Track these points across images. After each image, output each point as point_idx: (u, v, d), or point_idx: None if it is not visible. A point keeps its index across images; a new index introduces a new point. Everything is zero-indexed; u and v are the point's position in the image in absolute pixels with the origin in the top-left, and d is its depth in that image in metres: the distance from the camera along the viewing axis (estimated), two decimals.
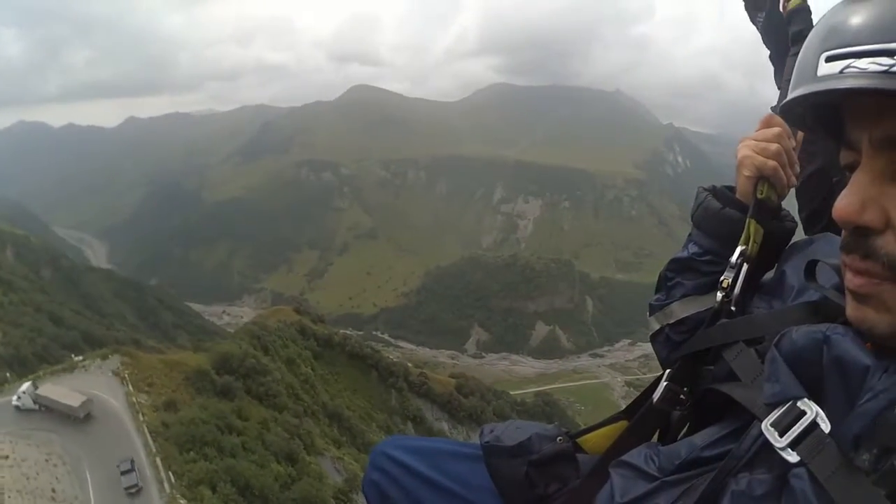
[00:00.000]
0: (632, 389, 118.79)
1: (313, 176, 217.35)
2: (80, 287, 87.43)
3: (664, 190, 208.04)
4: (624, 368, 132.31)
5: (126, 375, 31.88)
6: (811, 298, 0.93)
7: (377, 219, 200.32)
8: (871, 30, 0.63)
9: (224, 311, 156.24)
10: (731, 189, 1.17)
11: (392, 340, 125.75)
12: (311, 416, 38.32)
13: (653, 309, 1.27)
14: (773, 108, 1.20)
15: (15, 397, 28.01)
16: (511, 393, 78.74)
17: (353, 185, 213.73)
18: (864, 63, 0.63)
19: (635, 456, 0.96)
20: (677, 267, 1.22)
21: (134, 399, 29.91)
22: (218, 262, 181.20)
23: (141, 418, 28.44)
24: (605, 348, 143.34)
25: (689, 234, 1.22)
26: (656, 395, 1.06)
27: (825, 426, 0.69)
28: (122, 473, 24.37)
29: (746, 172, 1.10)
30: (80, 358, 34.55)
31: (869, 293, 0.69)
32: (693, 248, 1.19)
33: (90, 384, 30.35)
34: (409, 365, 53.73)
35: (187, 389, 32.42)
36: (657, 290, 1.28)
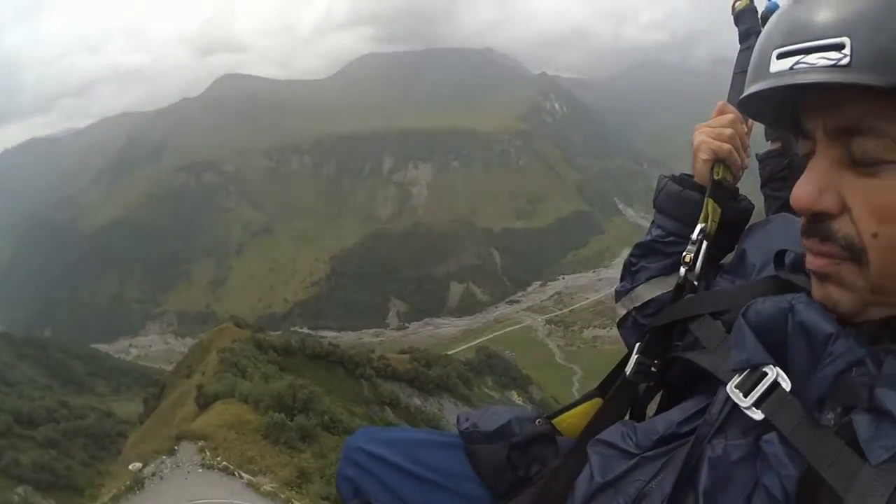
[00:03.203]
0: (553, 326, 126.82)
1: (193, 180, 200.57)
2: None
3: (546, 137, 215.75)
4: (541, 309, 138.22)
5: (222, 463, 21.37)
6: (773, 273, 0.96)
7: (269, 212, 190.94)
8: (820, 25, 0.66)
9: (130, 345, 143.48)
10: (690, 175, 1.23)
11: (313, 333, 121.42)
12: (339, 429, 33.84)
13: (618, 295, 1.29)
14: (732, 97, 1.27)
15: None
16: (450, 354, 78.33)
17: (238, 182, 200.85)
18: (813, 58, 0.65)
19: (612, 434, 0.96)
20: (641, 252, 1.26)
21: (264, 486, 19.68)
22: (110, 295, 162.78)
23: None
24: (519, 294, 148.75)
25: (652, 221, 1.26)
26: (629, 369, 1.09)
27: (786, 385, 0.72)
28: None
29: (703, 156, 1.16)
30: (139, 465, 21.37)
31: (829, 273, 0.73)
32: (656, 232, 1.23)
33: (205, 491, 18.99)
34: (370, 352, 52.31)
35: (278, 453, 23.16)
36: (621, 279, 1.30)
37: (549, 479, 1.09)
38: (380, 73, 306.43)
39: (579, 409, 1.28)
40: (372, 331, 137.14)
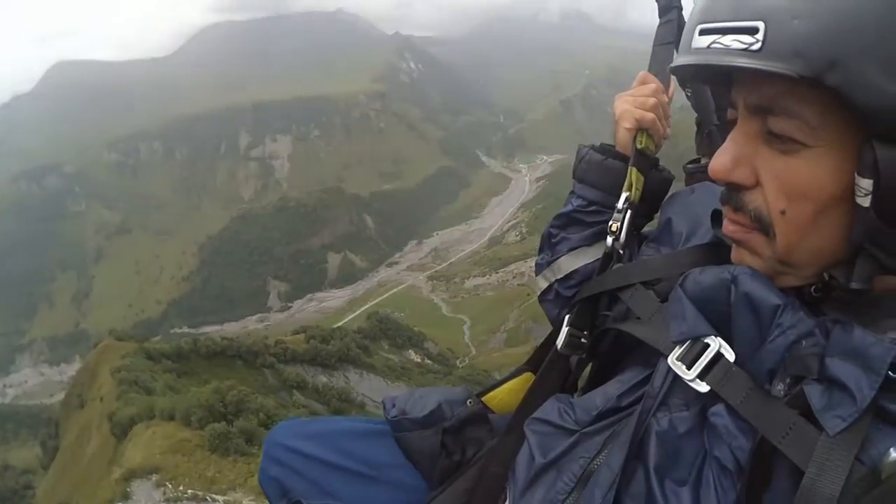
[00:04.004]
0: (435, 282, 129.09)
1: (35, 186, 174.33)
2: None
3: (405, 97, 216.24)
4: (420, 267, 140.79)
5: (188, 492, 18.55)
6: (700, 242, 0.97)
7: (124, 210, 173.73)
8: (739, 7, 0.66)
9: (4, 385, 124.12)
10: (611, 145, 1.22)
11: (195, 331, 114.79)
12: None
13: (539, 268, 1.27)
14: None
15: None
16: (341, 326, 78.03)
17: (85, 182, 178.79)
18: (727, 40, 0.66)
19: (548, 411, 0.93)
20: (561, 222, 1.24)
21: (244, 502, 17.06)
22: None
23: None
24: (397, 255, 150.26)
25: (571, 191, 1.24)
26: (560, 342, 1.06)
27: (730, 356, 0.72)
28: None
29: (626, 125, 1.16)
30: None
31: (741, 240, 0.76)
32: (577, 202, 1.21)
33: None
34: (265, 339, 50.91)
35: (234, 464, 20.75)
36: (541, 251, 1.29)
37: (486, 462, 1.07)
38: (227, 44, 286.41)
39: (510, 384, 1.26)
40: (256, 317, 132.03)
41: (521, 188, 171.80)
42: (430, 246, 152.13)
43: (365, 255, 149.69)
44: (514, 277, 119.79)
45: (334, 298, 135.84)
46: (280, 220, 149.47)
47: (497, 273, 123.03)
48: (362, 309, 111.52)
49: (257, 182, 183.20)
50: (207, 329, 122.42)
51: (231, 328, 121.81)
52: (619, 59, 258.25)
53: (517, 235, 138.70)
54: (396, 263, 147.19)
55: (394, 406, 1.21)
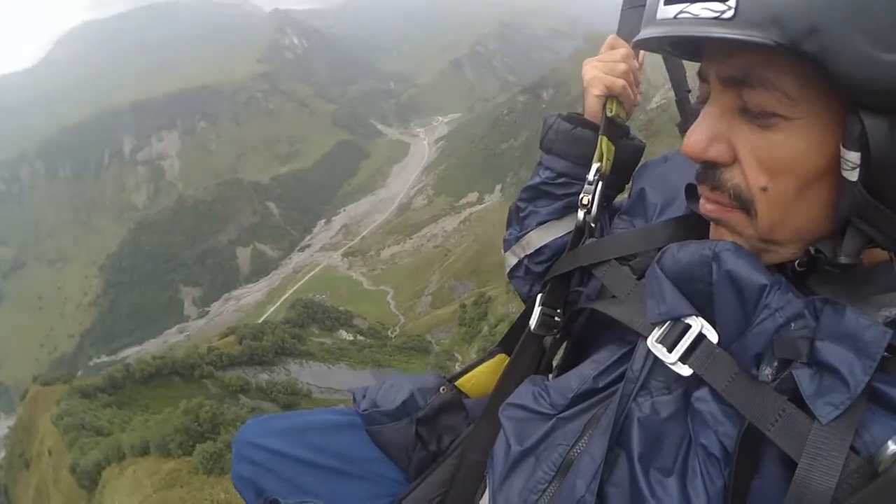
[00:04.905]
0: (351, 258, 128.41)
1: None
2: None
3: (291, 75, 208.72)
4: (333, 246, 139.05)
5: None
6: (676, 214, 0.94)
7: (14, 243, 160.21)
8: None
9: None
10: (579, 114, 1.17)
11: (115, 358, 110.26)
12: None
13: (507, 244, 1.23)
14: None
15: None
16: (262, 321, 75.31)
17: None
18: (696, 9, 0.62)
19: (523, 395, 0.90)
20: (529, 195, 1.20)
21: None
22: None
23: None
24: (308, 238, 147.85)
25: (539, 162, 1.20)
26: (533, 322, 1.03)
27: (713, 337, 0.69)
28: None
29: (596, 92, 1.11)
30: None
31: (719, 218, 0.73)
32: (545, 174, 1.17)
33: None
34: (196, 349, 49.31)
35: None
36: (508, 225, 1.25)
37: (464, 450, 1.05)
38: (96, 44, 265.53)
39: (483, 367, 1.24)
40: (174, 329, 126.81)
41: (422, 152, 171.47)
42: (339, 223, 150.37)
43: (275, 243, 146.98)
44: (428, 241, 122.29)
45: (252, 293, 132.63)
46: (180, 223, 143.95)
47: (411, 239, 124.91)
48: (283, 298, 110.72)
49: (149, 187, 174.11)
50: (127, 352, 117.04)
51: (152, 346, 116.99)
52: (505, 14, 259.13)
53: (425, 199, 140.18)
54: (308, 246, 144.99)
55: (364, 397, 1.18)
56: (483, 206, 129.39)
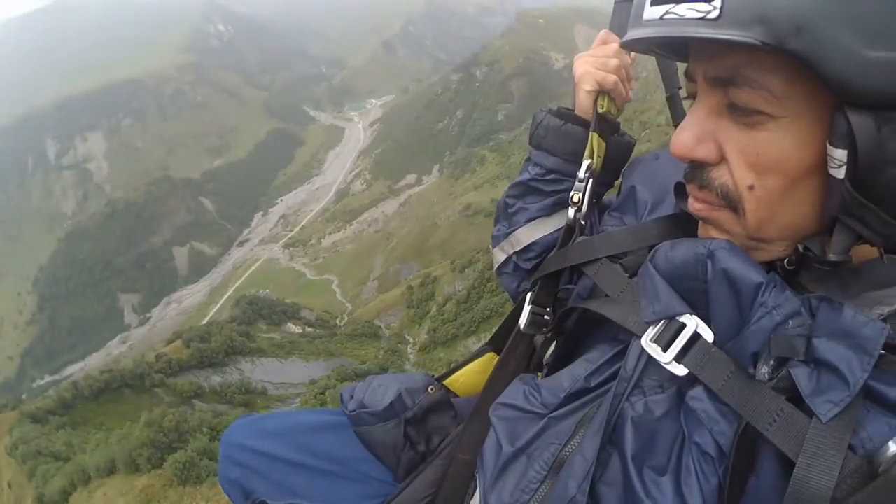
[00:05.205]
0: (292, 249, 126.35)
1: None
2: None
3: (219, 64, 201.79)
4: (273, 238, 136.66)
5: None
6: (667, 212, 0.94)
7: None
8: None
9: None
10: (569, 109, 1.16)
11: (58, 377, 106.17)
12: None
13: (496, 240, 1.23)
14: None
15: None
16: (207, 322, 74.63)
17: None
18: (682, 9, 0.62)
19: (513, 395, 0.89)
20: (518, 192, 1.19)
21: None
22: None
23: None
24: (246, 232, 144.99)
25: (527, 158, 1.19)
26: (523, 321, 1.02)
27: (708, 336, 0.69)
28: None
29: (587, 87, 1.09)
30: None
31: (707, 217, 0.74)
32: (535, 170, 1.16)
33: None
34: (143, 357, 48.20)
35: (214, 485, 18.74)
36: (497, 221, 1.24)
37: (453, 450, 1.04)
38: (9, 44, 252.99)
39: (473, 366, 1.24)
40: (116, 339, 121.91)
41: (357, 136, 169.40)
42: (277, 214, 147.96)
43: (212, 240, 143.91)
44: (369, 226, 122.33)
45: (193, 294, 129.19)
46: (112, 228, 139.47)
47: (351, 225, 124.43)
48: (226, 297, 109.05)
49: (77, 192, 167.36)
50: (71, 370, 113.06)
51: (95, 360, 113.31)
52: None
53: (363, 184, 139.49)
54: (247, 241, 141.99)
55: (352, 398, 1.17)
56: (422, 187, 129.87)
